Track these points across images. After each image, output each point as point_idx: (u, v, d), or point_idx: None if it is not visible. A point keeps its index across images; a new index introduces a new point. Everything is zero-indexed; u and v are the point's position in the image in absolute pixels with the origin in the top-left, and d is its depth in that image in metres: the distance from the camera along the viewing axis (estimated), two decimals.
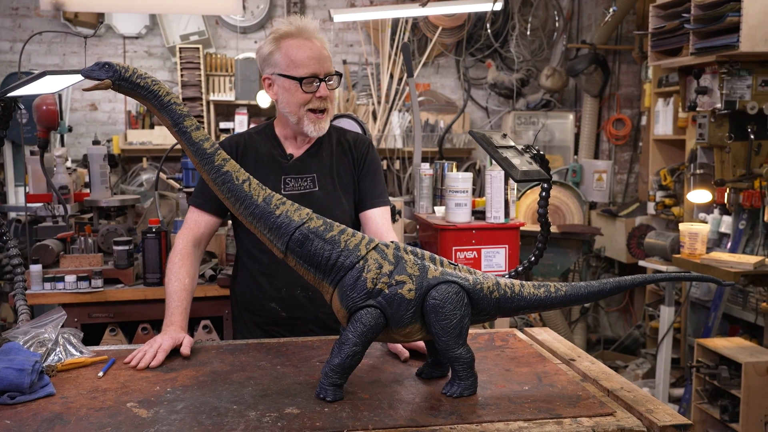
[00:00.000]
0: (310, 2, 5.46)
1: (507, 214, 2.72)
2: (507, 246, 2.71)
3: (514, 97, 5.58)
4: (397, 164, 5.29)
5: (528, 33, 5.61)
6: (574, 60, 5.48)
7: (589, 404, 1.34)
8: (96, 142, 2.60)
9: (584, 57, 5.32)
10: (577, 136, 5.63)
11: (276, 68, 1.82)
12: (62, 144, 4.13)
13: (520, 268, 2.07)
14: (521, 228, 2.82)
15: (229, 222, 2.44)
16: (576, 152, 5.60)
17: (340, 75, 1.89)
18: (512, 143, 1.82)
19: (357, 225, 1.97)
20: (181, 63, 4.95)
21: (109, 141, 4.89)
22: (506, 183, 2.70)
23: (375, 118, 5.35)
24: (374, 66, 5.50)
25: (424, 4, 3.30)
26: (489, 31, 5.54)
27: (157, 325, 2.56)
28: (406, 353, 1.59)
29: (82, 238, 2.43)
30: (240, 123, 4.89)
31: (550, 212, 4.61)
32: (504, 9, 5.41)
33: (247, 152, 1.90)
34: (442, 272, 1.38)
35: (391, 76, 5.39)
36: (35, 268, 2.29)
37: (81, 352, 1.60)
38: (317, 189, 1.90)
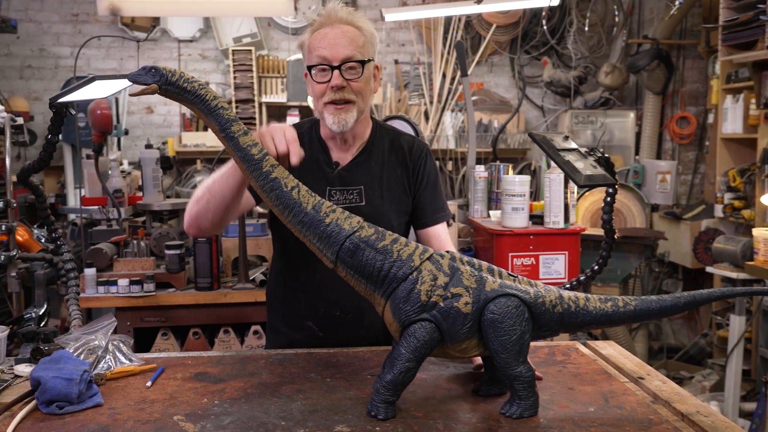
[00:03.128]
0: (361, 2, 5.42)
1: (567, 218, 2.59)
2: (567, 252, 2.58)
3: (571, 96, 5.41)
4: (450, 165, 5.20)
5: (586, 29, 5.43)
6: (636, 56, 5.27)
7: (662, 430, 1.23)
8: (149, 146, 2.62)
9: (646, 52, 5.11)
10: (638, 136, 5.42)
11: (305, 61, 1.70)
12: (119, 147, 4.20)
13: (582, 278, 1.96)
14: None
15: None
16: (637, 152, 5.39)
17: (363, 62, 1.64)
18: (575, 145, 1.72)
19: None
20: (233, 65, 4.98)
21: (164, 143, 4.96)
22: (566, 186, 2.57)
23: (427, 118, 5.27)
24: (426, 65, 5.42)
25: (479, 2, 3.20)
26: (545, 27, 5.39)
27: (207, 330, 2.56)
28: (479, 360, 1.48)
29: (135, 242, 2.44)
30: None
31: None
32: (561, 4, 5.25)
33: None
34: (500, 284, 1.30)
35: (444, 76, 5.30)
36: (89, 272, 2.31)
37: (130, 360, 1.58)
38: (364, 204, 1.75)
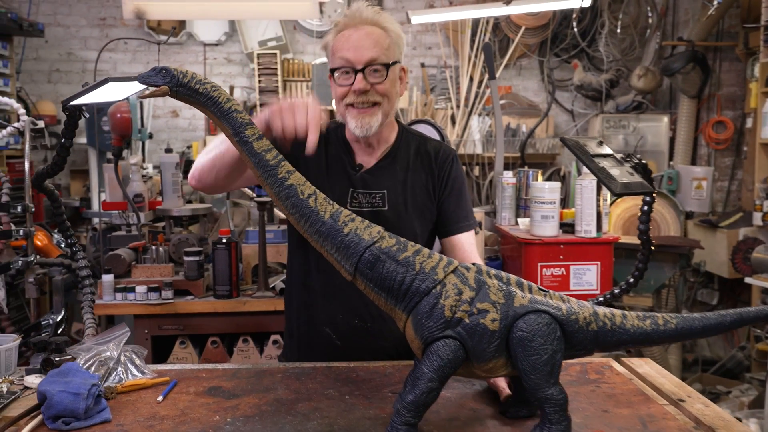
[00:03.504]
0: (388, 4, 5.36)
1: (599, 227, 2.47)
2: (599, 263, 2.46)
3: (602, 99, 5.27)
4: (477, 170, 5.09)
5: (618, 30, 5.29)
6: (670, 58, 5.11)
7: None
8: (168, 150, 2.56)
9: (681, 55, 4.95)
10: (672, 140, 5.25)
11: (329, 63, 1.66)
12: (143, 151, 4.19)
13: (616, 291, 1.86)
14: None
15: None
16: (671, 158, 5.22)
17: (387, 65, 1.57)
18: (610, 151, 1.62)
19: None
20: (258, 69, 4.95)
21: (189, 147, 4.95)
22: (598, 193, 2.46)
23: (454, 122, 5.17)
24: (453, 69, 5.33)
25: (507, 3, 3.11)
26: (575, 29, 5.26)
27: (227, 339, 2.50)
28: (507, 392, 1.38)
29: (154, 248, 2.39)
30: None
31: None
32: (592, 6, 5.12)
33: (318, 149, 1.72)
34: (530, 300, 1.21)
35: (471, 79, 5.21)
36: (107, 278, 2.26)
37: (143, 373, 1.53)
38: (386, 208, 1.69)
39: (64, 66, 5.20)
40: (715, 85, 5.18)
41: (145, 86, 1.24)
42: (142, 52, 5.19)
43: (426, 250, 1.24)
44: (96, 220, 3.69)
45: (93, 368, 1.49)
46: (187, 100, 1.23)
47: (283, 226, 2.62)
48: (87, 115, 1.54)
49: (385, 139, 1.73)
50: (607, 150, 1.60)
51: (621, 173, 1.55)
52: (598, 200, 2.45)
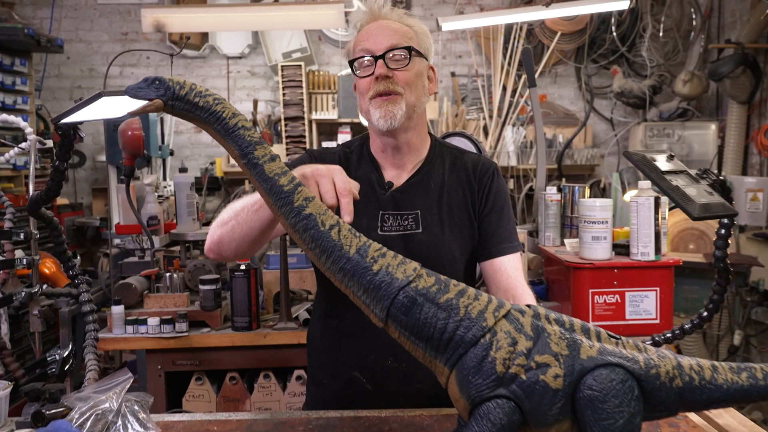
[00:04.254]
0: (416, 12, 5.17)
1: (658, 249, 2.21)
2: (658, 288, 2.20)
3: (646, 107, 5.00)
4: (511, 183, 4.86)
5: (660, 34, 5.02)
6: (717, 62, 4.83)
7: None
8: (183, 170, 2.39)
9: (729, 58, 4.67)
10: (720, 149, 4.95)
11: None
12: (164, 168, 4.05)
13: (687, 326, 1.62)
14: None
15: None
16: (719, 167, 4.92)
17: (409, 48, 1.45)
18: (683, 166, 1.39)
19: (469, 279, 1.57)
20: (283, 81, 4.80)
21: (212, 164, 4.82)
22: (656, 211, 2.20)
23: (486, 133, 4.96)
24: (485, 78, 5.11)
25: (548, 5, 2.89)
26: (614, 34, 5.00)
27: (246, 374, 2.31)
28: None
29: (168, 275, 2.21)
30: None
31: (693, 237, 4.01)
32: (632, 9, 4.87)
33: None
34: (600, 350, 1.00)
35: (504, 88, 4.99)
36: (117, 310, 2.09)
37: (146, 428, 1.33)
38: (420, 231, 1.49)
39: (86, 82, 5.12)
40: (767, 90, 4.88)
41: (147, 101, 1.05)
42: (164, 66, 5.08)
43: (472, 291, 1.03)
44: (117, 240, 3.55)
45: (89, 424, 1.31)
46: (186, 115, 1.04)
47: None
48: (83, 134, 1.36)
49: (415, 149, 1.54)
50: (680, 165, 1.37)
51: (698, 193, 1.31)
52: (656, 219, 2.19)
